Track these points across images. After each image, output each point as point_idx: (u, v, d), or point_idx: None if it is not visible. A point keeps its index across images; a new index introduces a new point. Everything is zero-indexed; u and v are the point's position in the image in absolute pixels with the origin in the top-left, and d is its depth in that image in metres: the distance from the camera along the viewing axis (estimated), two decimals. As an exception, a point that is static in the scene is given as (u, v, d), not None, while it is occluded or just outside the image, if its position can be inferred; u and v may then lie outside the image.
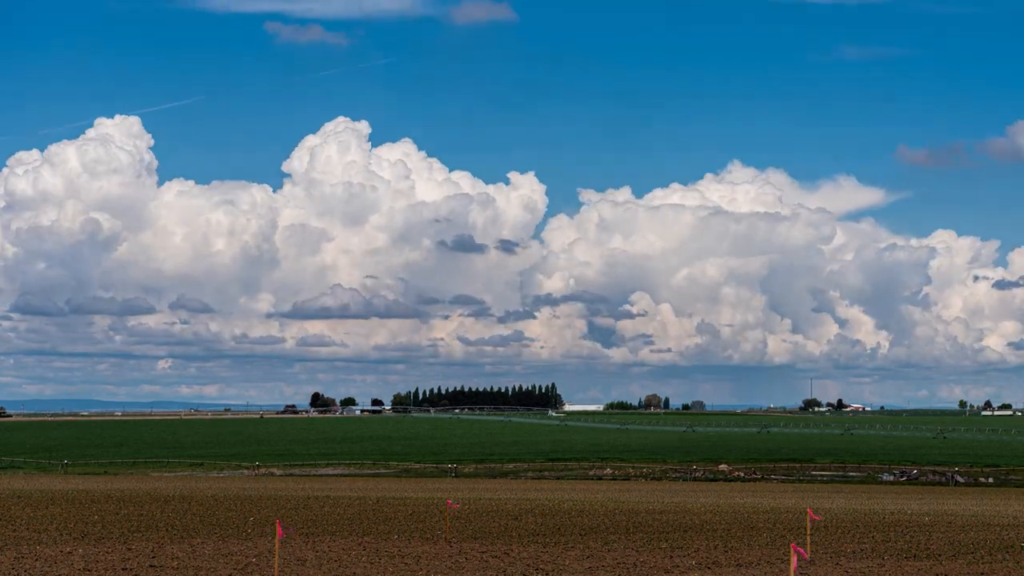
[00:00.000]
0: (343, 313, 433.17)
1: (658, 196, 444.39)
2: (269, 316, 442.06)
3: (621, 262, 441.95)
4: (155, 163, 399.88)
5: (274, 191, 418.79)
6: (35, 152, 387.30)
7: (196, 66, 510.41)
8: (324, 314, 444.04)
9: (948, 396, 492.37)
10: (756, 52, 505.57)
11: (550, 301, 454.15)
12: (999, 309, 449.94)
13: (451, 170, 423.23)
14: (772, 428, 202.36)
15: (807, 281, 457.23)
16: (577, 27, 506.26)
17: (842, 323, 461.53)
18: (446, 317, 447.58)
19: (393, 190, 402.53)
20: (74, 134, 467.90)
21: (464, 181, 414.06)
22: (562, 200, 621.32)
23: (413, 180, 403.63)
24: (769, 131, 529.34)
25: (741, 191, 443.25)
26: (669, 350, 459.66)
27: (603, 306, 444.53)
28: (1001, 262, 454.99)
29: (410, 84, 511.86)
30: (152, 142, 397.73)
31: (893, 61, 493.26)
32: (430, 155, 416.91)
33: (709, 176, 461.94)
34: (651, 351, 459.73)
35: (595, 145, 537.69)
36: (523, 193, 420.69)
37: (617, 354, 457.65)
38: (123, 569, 26.51)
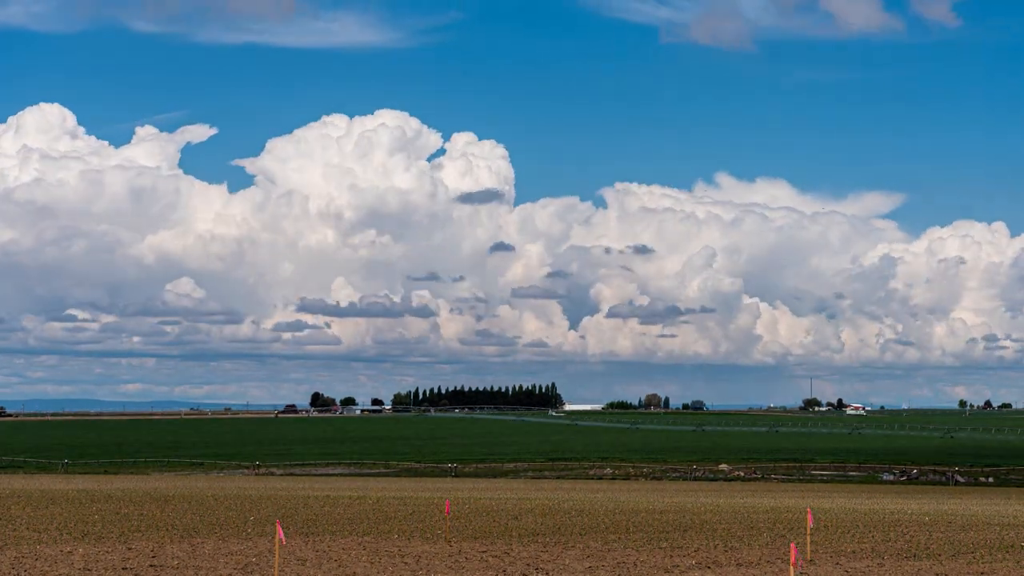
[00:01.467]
0: (344, 312, 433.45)
1: (659, 196, 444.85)
2: (268, 315, 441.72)
3: (621, 262, 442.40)
4: (159, 165, 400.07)
5: (273, 189, 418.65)
6: (38, 153, 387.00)
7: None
8: (325, 312, 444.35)
9: (948, 396, 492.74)
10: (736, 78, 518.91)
11: (551, 299, 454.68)
12: (997, 308, 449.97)
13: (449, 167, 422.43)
14: (780, 428, 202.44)
15: (806, 281, 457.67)
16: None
17: (841, 323, 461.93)
18: (446, 315, 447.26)
19: (389, 187, 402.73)
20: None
21: (465, 180, 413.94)
22: (562, 200, 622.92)
23: (413, 178, 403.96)
24: (758, 143, 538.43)
25: (738, 195, 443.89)
26: (667, 350, 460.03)
27: (604, 305, 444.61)
28: (999, 261, 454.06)
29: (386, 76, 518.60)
30: (158, 147, 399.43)
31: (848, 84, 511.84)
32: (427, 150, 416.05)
33: (702, 183, 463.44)
34: (649, 351, 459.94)
35: (603, 143, 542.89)
36: (521, 191, 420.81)
37: (616, 353, 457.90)
38: (123, 569, 26.51)
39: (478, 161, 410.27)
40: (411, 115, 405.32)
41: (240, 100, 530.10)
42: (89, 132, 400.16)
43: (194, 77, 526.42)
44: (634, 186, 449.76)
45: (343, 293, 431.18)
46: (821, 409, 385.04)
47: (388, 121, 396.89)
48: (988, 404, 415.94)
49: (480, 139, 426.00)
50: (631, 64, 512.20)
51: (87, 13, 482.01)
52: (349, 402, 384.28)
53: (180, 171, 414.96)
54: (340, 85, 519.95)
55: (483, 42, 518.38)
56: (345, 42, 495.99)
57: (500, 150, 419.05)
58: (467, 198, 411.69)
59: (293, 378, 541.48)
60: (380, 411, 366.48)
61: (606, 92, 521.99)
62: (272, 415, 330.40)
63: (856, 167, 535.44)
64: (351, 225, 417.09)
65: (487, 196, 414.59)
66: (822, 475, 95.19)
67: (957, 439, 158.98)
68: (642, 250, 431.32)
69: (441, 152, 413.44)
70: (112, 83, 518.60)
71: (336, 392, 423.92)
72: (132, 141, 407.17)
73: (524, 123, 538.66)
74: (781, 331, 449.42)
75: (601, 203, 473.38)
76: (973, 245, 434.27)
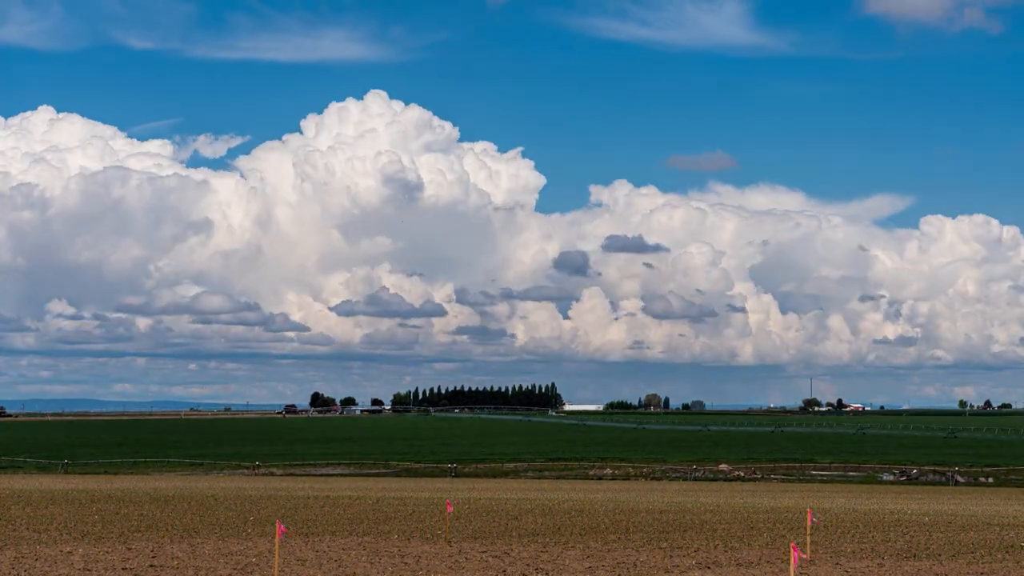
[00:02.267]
0: (345, 311, 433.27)
1: (660, 197, 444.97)
2: (269, 314, 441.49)
3: (621, 262, 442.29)
4: (160, 168, 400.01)
5: (274, 191, 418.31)
6: (35, 154, 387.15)
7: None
8: (325, 312, 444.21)
9: (948, 396, 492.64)
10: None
11: (551, 300, 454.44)
12: (999, 308, 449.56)
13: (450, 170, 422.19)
14: (785, 428, 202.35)
15: (806, 281, 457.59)
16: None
17: (841, 322, 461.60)
18: (447, 315, 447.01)
19: (389, 188, 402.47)
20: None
21: (466, 181, 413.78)
22: (564, 201, 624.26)
23: (414, 179, 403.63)
24: (758, 146, 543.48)
25: (737, 198, 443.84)
26: (667, 349, 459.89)
27: (603, 305, 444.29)
28: (998, 262, 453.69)
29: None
30: (159, 150, 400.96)
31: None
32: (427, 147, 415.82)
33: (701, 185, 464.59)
34: (649, 350, 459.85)
35: (604, 145, 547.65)
36: (524, 188, 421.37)
37: (616, 353, 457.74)
38: (123, 569, 26.49)
39: (480, 163, 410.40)
40: (411, 116, 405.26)
41: (238, 105, 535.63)
42: (87, 134, 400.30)
43: (192, 88, 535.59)
44: (635, 187, 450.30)
45: (343, 293, 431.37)
46: (821, 409, 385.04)
47: (385, 122, 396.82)
48: (988, 404, 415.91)
49: (482, 141, 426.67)
50: (626, 71, 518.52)
51: (84, 31, 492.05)
52: (349, 402, 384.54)
53: (181, 173, 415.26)
54: (340, 88, 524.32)
55: (478, 55, 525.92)
56: (337, 56, 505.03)
57: (501, 152, 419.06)
58: (469, 199, 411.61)
59: (293, 378, 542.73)
60: (380, 411, 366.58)
61: (607, 97, 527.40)
62: (279, 415, 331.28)
63: (860, 168, 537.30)
64: (352, 225, 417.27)
65: (488, 197, 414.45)
66: (822, 475, 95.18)
67: (961, 438, 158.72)
68: (643, 250, 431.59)
69: (443, 153, 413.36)
70: (112, 92, 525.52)
71: (336, 392, 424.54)
72: (132, 144, 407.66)
73: (525, 127, 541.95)
74: (781, 331, 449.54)
75: (602, 204, 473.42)
76: (976, 245, 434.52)
